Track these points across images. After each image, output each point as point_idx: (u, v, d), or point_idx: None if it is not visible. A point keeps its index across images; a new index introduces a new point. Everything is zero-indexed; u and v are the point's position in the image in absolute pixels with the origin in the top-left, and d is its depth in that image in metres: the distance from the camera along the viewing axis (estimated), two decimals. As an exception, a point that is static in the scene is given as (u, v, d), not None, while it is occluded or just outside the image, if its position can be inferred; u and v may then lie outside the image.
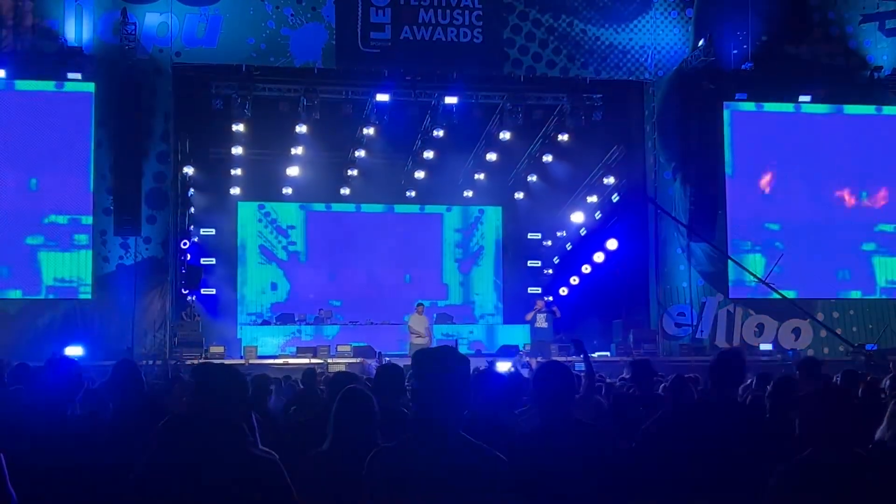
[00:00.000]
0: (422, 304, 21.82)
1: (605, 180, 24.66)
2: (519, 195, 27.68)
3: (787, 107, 22.77)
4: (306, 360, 19.26)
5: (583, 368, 8.60)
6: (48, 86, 20.40)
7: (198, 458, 3.84)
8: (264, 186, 26.44)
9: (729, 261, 21.87)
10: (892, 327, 22.26)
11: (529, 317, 21.85)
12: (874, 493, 4.22)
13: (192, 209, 24.67)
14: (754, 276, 21.60)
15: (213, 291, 25.17)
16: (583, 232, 25.95)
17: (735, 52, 21.79)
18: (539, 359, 19.83)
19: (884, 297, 22.68)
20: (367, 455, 3.76)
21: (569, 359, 20.31)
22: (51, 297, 20.11)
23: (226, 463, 3.84)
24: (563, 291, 26.18)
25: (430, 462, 3.59)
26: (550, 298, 26.43)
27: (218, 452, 3.85)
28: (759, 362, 19.15)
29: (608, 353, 21.72)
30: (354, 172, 25.87)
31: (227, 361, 19.16)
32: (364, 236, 27.67)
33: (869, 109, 22.91)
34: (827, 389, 4.63)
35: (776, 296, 21.54)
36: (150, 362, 17.53)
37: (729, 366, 5.75)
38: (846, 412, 4.40)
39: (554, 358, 19.07)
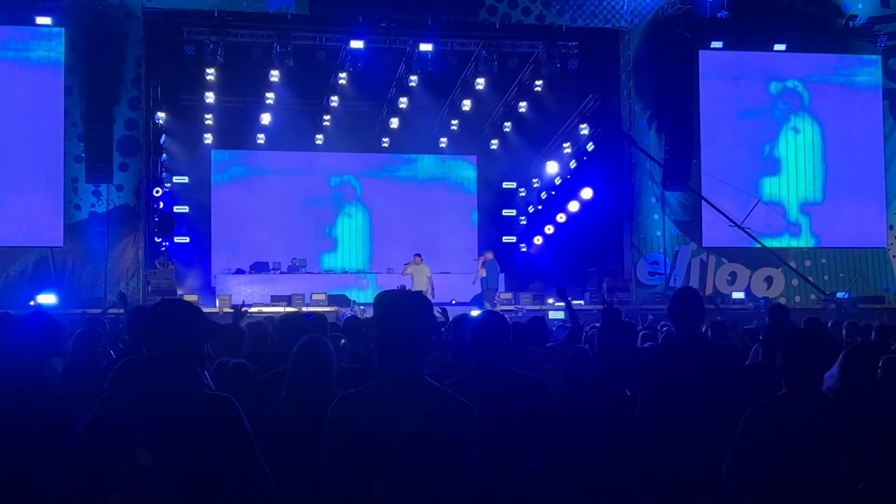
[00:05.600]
0: (419, 255, 21.79)
1: (581, 129, 24.60)
2: (494, 144, 27.57)
3: (763, 55, 22.73)
4: (280, 309, 19.18)
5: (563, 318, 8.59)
6: (17, 30, 20.05)
7: (150, 398, 3.75)
8: (237, 134, 26.21)
9: (702, 210, 21.91)
10: (864, 276, 22.47)
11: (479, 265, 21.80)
12: (844, 432, 4.26)
13: (165, 156, 24.45)
14: (730, 220, 21.65)
15: (187, 240, 25.03)
16: (558, 181, 25.93)
17: (711, -1, 21.72)
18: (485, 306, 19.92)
19: (856, 246, 22.82)
20: (323, 404, 3.68)
21: (542, 307, 20.50)
22: (22, 244, 19.92)
23: (179, 402, 3.75)
24: (538, 240, 26.24)
25: (393, 408, 3.50)
26: (524, 248, 26.58)
27: (170, 391, 3.76)
28: (730, 310, 19.36)
29: (582, 302, 21.81)
30: (328, 120, 25.65)
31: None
32: (338, 185, 27.57)
33: (843, 58, 22.91)
34: (809, 330, 4.66)
35: (751, 244, 21.62)
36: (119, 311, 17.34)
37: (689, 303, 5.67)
38: (825, 353, 4.45)
39: (500, 309, 19.16)
